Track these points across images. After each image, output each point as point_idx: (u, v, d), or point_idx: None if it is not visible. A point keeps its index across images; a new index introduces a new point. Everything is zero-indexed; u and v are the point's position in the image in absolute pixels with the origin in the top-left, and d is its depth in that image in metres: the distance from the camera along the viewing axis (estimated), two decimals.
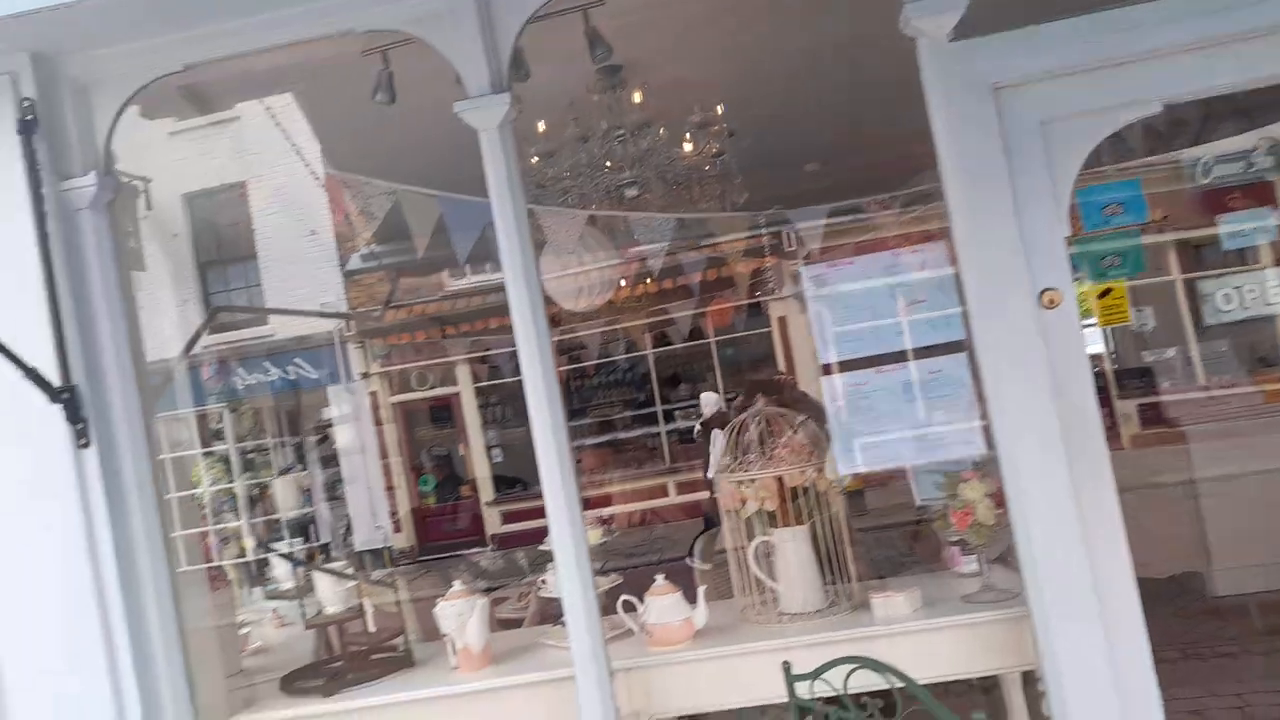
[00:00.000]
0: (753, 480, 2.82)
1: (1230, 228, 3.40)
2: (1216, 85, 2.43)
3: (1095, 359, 7.71)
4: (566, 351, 11.03)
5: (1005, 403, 2.38)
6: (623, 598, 2.86)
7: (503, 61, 2.61)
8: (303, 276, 12.03)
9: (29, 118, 2.51)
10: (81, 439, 2.53)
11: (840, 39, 3.80)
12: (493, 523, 11.67)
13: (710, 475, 8.25)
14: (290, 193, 11.19)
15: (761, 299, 8.99)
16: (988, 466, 2.71)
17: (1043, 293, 2.38)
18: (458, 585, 2.94)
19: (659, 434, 11.54)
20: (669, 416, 11.68)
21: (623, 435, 11.57)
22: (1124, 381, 7.58)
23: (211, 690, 2.81)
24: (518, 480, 11.88)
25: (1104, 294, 2.69)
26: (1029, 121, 2.40)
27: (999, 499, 2.60)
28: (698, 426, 8.49)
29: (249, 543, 2.99)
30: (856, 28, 3.01)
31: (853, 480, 4.46)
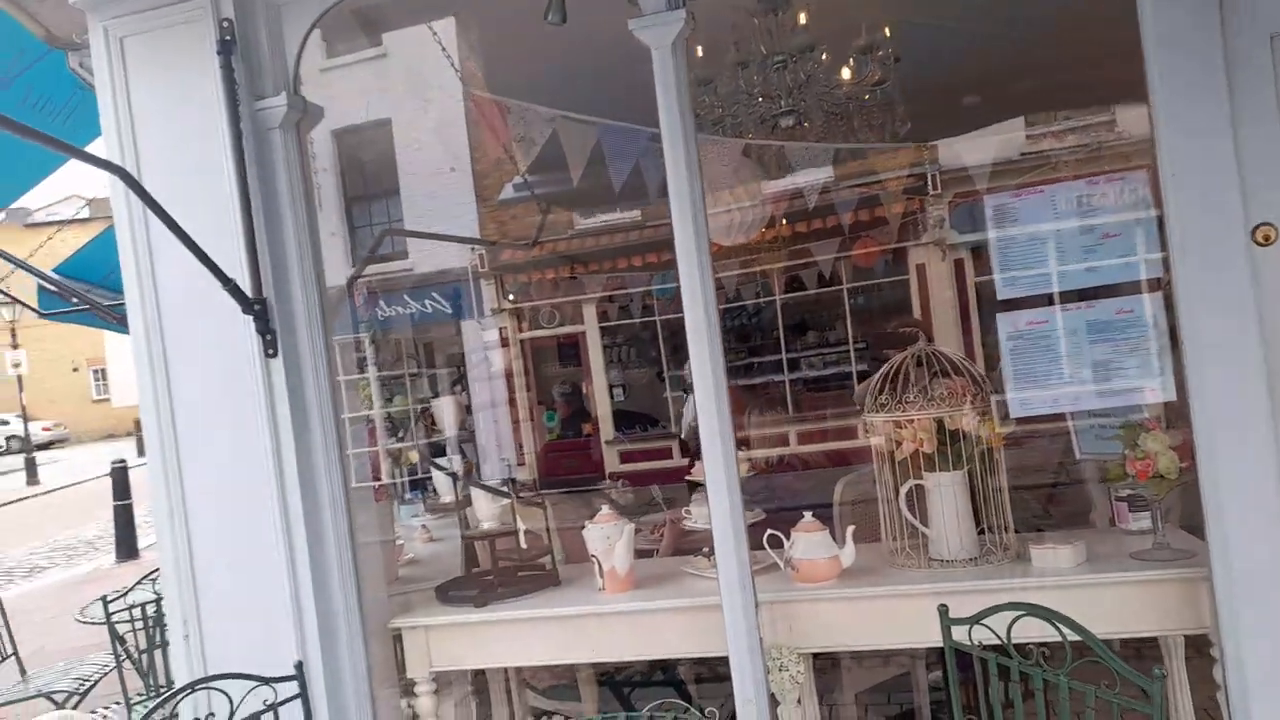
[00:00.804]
0: (910, 420, 2.74)
1: None
2: None
3: None
4: None
5: (1204, 349, 2.21)
6: (769, 532, 2.85)
7: None
8: (441, 212, 12.42)
9: (228, 38, 2.63)
10: (270, 349, 2.68)
11: None
12: (611, 461, 11.90)
13: (683, 435, 8.21)
14: (433, 129, 11.49)
15: (905, 245, 8.65)
16: (1169, 418, 2.54)
17: (1257, 228, 2.17)
18: (605, 509, 3.00)
19: (783, 382, 11.42)
20: (794, 365, 11.52)
21: (743, 382, 11.49)
22: None
23: (375, 595, 2.97)
24: (637, 421, 12.04)
25: None
26: (1258, 33, 2.16)
27: (1183, 452, 2.44)
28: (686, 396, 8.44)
29: (414, 456, 3.12)
30: None
31: (996, 437, 4.30)
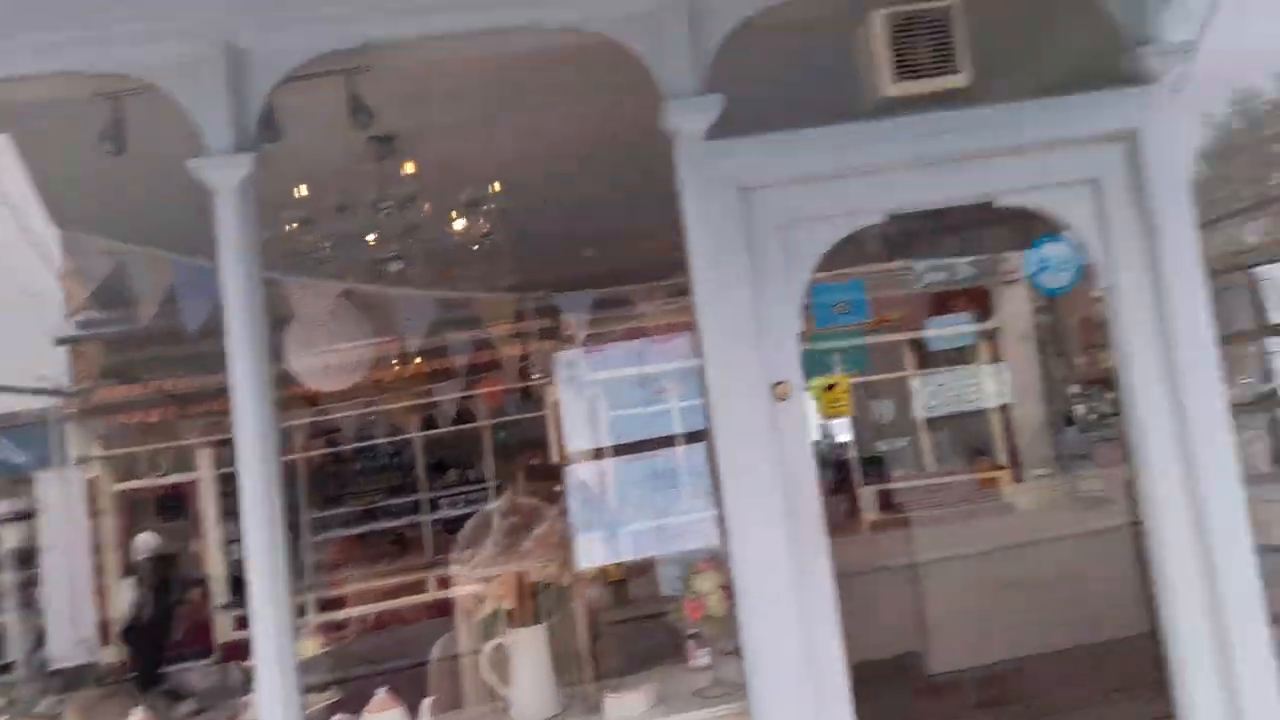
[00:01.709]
0: (489, 578, 2.68)
1: (937, 330, 3.78)
2: (931, 200, 2.69)
3: (841, 447, 8.27)
4: (326, 434, 10.32)
5: (735, 491, 2.44)
6: (336, 716, 2.57)
7: (250, 119, 2.47)
8: (13, 346, 10.52)
9: None
10: None
11: (610, 130, 3.89)
12: (225, 629, 10.42)
13: (121, 630, 7.99)
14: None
15: (533, 383, 8.98)
16: (723, 557, 2.75)
17: (775, 385, 2.48)
18: (139, 713, 2.51)
19: (420, 524, 10.99)
20: (434, 505, 11.17)
21: (381, 525, 10.93)
22: (865, 469, 8.21)
23: None
24: None
25: (829, 388, 2.86)
26: (770, 222, 2.54)
27: (731, 590, 2.62)
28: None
29: None
30: (625, 121, 3.07)
31: (615, 570, 4.44)
